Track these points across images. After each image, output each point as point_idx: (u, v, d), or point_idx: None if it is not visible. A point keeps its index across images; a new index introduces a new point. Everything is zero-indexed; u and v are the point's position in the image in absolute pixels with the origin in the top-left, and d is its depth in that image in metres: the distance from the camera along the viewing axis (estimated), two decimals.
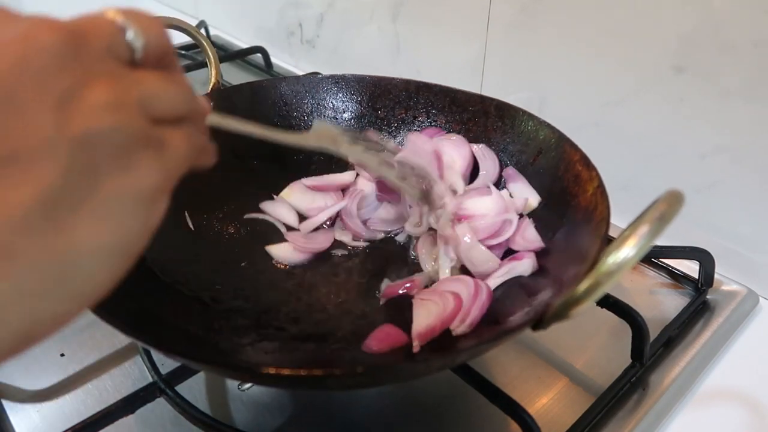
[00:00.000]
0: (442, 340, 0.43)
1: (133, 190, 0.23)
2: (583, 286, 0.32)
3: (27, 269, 0.20)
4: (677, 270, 0.60)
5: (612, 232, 0.39)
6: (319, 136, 0.44)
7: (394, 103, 0.62)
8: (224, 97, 0.61)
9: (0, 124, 0.20)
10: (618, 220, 0.47)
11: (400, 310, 0.46)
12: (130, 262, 0.24)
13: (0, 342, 0.20)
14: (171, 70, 0.27)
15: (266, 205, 0.59)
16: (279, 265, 0.54)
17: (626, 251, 0.31)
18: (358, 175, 0.61)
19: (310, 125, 0.62)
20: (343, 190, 0.60)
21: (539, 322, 0.34)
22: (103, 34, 0.23)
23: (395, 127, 0.63)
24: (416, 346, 0.41)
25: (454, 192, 0.53)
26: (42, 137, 0.20)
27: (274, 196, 0.60)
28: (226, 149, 0.59)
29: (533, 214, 0.51)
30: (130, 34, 0.24)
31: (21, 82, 0.20)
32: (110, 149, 0.22)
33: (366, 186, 0.59)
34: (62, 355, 0.51)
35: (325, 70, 0.73)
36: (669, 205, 0.31)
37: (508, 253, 0.49)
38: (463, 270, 0.49)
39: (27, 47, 0.21)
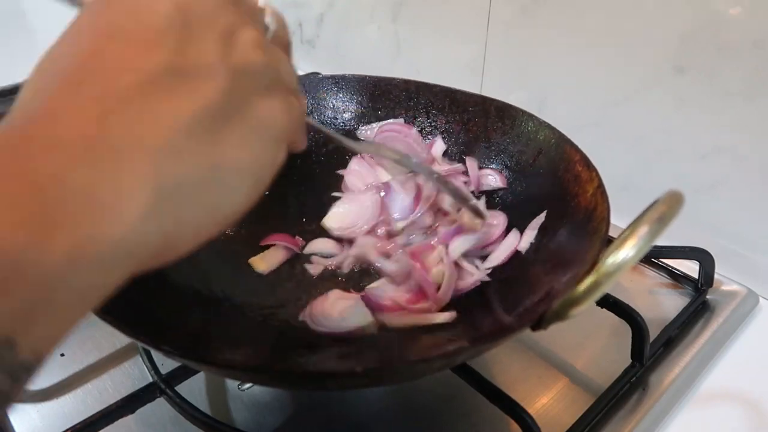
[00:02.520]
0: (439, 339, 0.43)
1: (270, 125, 0.27)
2: (583, 286, 0.32)
3: (188, 168, 0.23)
4: (677, 270, 0.60)
5: (612, 233, 0.39)
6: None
7: (394, 104, 0.62)
8: None
9: (178, 45, 0.23)
10: (618, 221, 0.47)
11: None
12: (258, 192, 0.27)
13: (153, 236, 0.22)
14: (289, 56, 0.33)
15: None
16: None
17: (626, 252, 0.31)
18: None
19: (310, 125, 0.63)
20: None
21: (539, 322, 0.34)
22: (250, 5, 0.29)
23: None
24: None
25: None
26: (209, 61, 0.24)
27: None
28: None
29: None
30: (268, 17, 0.31)
31: (197, 13, 0.24)
32: (259, 83, 0.26)
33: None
34: (62, 355, 0.51)
35: (325, 70, 0.73)
36: (669, 206, 0.31)
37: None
38: None
39: None
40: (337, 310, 0.46)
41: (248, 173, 0.26)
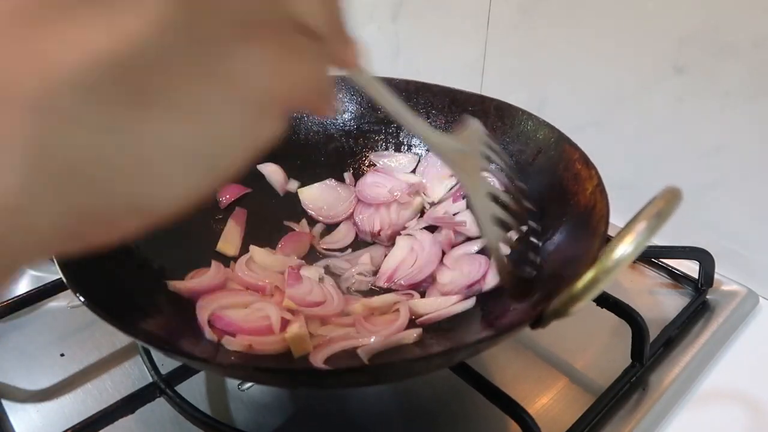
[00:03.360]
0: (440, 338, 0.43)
1: (243, 83, 0.19)
2: (582, 282, 0.32)
3: (88, 139, 0.16)
4: (677, 270, 0.60)
5: (611, 233, 0.39)
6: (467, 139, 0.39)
7: None
8: None
9: None
10: (618, 220, 0.47)
11: None
12: (216, 180, 0.19)
13: (44, 221, 0.16)
14: None
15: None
16: None
17: (624, 248, 0.31)
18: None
19: (310, 126, 0.63)
20: None
21: (538, 320, 0.34)
22: None
23: (395, 127, 0.63)
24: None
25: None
26: None
27: None
28: None
29: None
30: None
31: None
32: (231, 17, 0.18)
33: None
34: (62, 355, 0.51)
35: None
36: (667, 202, 0.31)
37: None
38: None
39: None
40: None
41: (194, 156, 0.18)
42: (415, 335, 0.43)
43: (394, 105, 0.31)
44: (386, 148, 0.63)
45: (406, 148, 0.62)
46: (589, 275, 0.31)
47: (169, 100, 0.17)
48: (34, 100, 0.15)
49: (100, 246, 0.18)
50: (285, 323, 0.44)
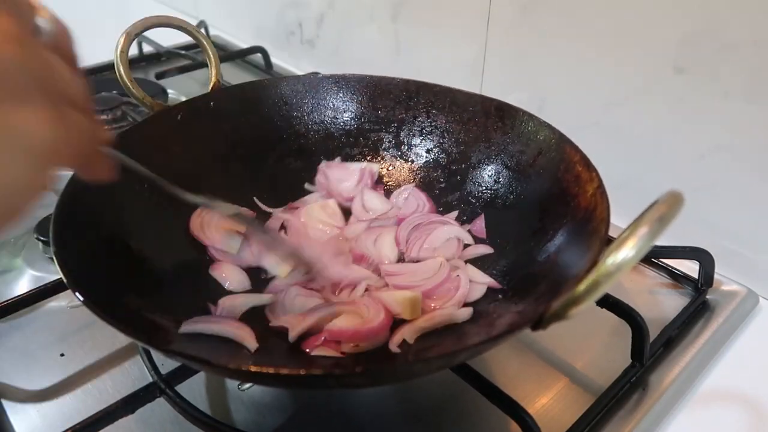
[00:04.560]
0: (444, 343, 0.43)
1: (21, 135, 0.22)
2: (583, 286, 0.32)
3: None
4: (677, 270, 0.60)
5: (611, 232, 0.39)
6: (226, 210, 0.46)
7: (394, 103, 0.62)
8: (225, 97, 0.61)
9: None
10: (618, 220, 0.47)
11: None
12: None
13: None
14: (75, 72, 0.27)
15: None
16: None
17: (625, 252, 0.31)
18: None
19: (310, 125, 0.63)
20: None
21: (538, 322, 0.34)
22: None
23: (395, 126, 0.63)
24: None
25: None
26: None
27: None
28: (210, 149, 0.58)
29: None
30: (42, 21, 0.26)
31: None
32: (8, 84, 0.21)
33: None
34: (62, 355, 0.51)
35: (325, 70, 0.73)
36: (669, 206, 0.31)
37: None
38: None
39: None
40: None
41: None
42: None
43: (149, 174, 0.39)
44: (386, 148, 0.63)
45: (406, 147, 0.62)
46: (590, 279, 0.31)
47: None
48: None
49: None
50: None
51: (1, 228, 0.22)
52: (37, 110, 0.22)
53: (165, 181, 0.41)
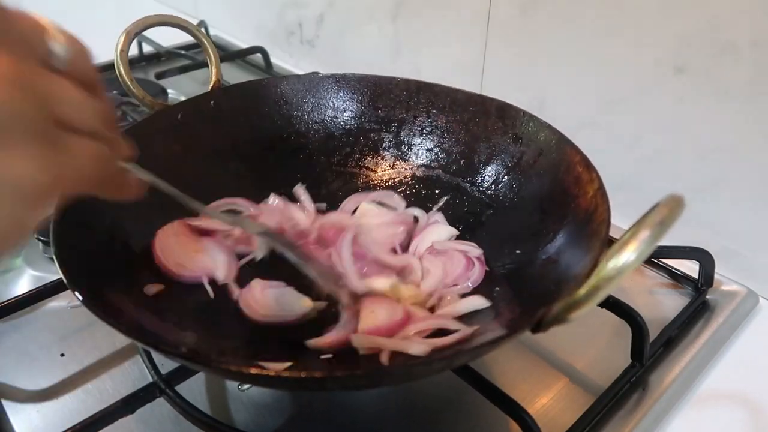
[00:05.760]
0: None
1: (9, 176, 0.22)
2: (583, 289, 0.32)
3: None
4: (677, 270, 0.60)
5: (612, 233, 0.40)
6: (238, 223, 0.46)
7: (394, 103, 0.62)
8: (226, 96, 0.61)
9: None
10: (618, 220, 0.47)
11: None
12: None
13: None
14: (94, 91, 0.27)
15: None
16: None
17: (627, 256, 0.31)
18: None
19: (311, 125, 0.63)
20: None
21: (539, 324, 0.34)
22: (27, 26, 0.24)
23: (396, 126, 0.63)
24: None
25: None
26: None
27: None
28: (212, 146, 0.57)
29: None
30: (56, 45, 0.25)
31: None
32: None
33: None
34: (62, 355, 0.51)
35: (325, 70, 0.73)
36: (670, 209, 0.31)
37: None
38: None
39: None
40: (273, 300, 0.47)
41: None
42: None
43: (172, 191, 0.39)
44: (387, 147, 0.63)
45: (406, 147, 0.62)
46: (590, 282, 0.31)
47: None
48: None
49: None
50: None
51: None
52: (27, 156, 0.22)
53: (189, 198, 0.41)
